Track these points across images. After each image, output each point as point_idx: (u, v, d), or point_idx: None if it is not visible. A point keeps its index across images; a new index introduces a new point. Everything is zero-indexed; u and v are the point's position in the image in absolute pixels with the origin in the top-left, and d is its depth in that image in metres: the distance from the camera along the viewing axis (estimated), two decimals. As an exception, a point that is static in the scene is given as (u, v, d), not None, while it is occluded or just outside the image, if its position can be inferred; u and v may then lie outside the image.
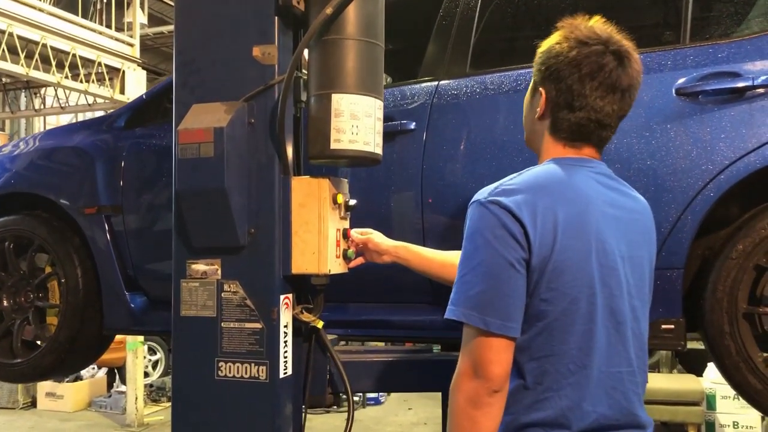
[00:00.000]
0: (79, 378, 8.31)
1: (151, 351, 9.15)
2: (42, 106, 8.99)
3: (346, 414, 2.31)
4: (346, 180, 2.31)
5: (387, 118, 2.34)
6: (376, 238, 2.28)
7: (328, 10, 1.99)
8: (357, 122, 2.03)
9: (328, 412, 7.39)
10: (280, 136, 2.10)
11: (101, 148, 3.12)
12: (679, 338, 2.28)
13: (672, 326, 2.27)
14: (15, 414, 8.08)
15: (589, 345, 1.44)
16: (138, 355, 7.57)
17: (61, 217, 3.14)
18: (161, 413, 7.99)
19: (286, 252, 2.13)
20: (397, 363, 2.52)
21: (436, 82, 2.66)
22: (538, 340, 1.44)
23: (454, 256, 1.91)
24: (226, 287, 2.16)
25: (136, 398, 7.52)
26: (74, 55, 7.05)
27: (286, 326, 2.15)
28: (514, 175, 1.51)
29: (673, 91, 2.31)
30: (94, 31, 7.45)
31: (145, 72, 8.19)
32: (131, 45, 7.89)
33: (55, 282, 3.12)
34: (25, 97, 9.45)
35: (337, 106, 2.01)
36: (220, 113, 2.11)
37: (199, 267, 2.19)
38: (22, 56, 6.61)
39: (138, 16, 8.09)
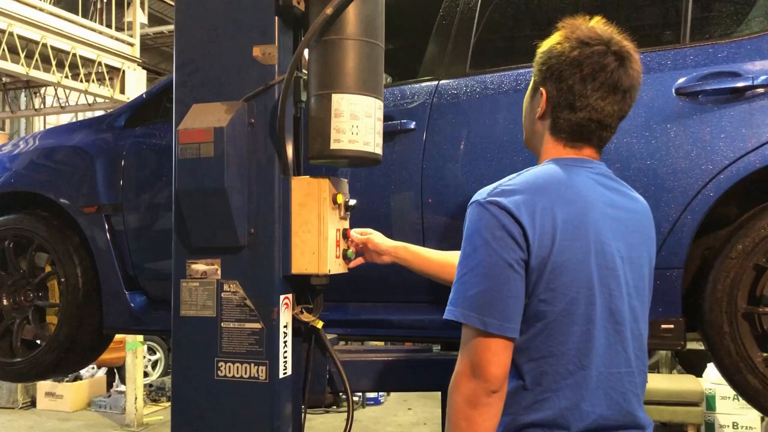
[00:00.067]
0: (78, 378, 8.31)
1: (151, 351, 9.15)
2: (42, 106, 9.00)
3: (345, 414, 2.31)
4: (346, 180, 2.31)
5: (387, 118, 2.34)
6: (376, 238, 2.28)
7: (329, 10, 1.99)
8: (357, 122, 2.03)
9: (327, 412, 7.41)
10: (280, 136, 2.10)
11: (101, 147, 3.12)
12: (679, 338, 2.28)
13: (671, 326, 2.27)
14: (14, 413, 8.08)
15: (588, 346, 1.44)
16: (137, 355, 7.57)
17: (61, 216, 3.14)
18: (161, 413, 7.98)
19: (286, 252, 2.13)
20: (397, 363, 2.52)
21: (436, 82, 2.66)
22: (536, 340, 1.44)
23: (453, 257, 1.91)
24: (225, 287, 2.16)
25: (136, 398, 7.52)
26: (74, 55, 7.06)
27: (285, 326, 2.15)
28: (514, 175, 1.51)
29: (673, 90, 2.32)
30: (94, 30, 7.45)
31: (145, 72, 8.19)
32: (131, 44, 7.90)
33: (55, 281, 3.13)
34: (25, 96, 9.46)
35: (337, 106, 2.01)
36: (220, 113, 2.11)
37: (199, 267, 2.19)
38: (22, 56, 6.61)
39: (138, 16, 8.09)
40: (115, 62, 7.64)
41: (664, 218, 2.24)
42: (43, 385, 8.15)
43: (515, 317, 1.41)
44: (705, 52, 2.35)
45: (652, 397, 5.58)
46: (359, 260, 2.31)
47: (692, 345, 2.86)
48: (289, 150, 2.15)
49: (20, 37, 6.50)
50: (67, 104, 8.40)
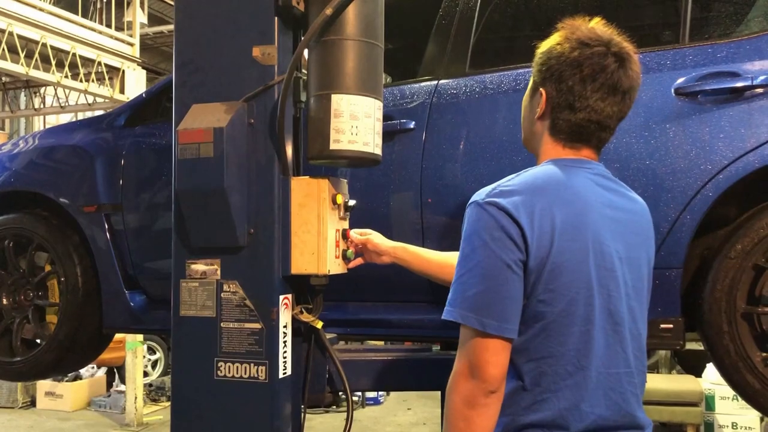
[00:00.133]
0: (78, 377, 8.31)
1: (151, 350, 9.15)
2: (42, 106, 9.00)
3: (345, 414, 2.31)
4: (346, 180, 2.31)
5: (386, 117, 2.34)
6: (375, 238, 2.28)
7: (328, 11, 1.99)
8: (356, 123, 2.03)
9: (327, 411, 7.41)
10: (279, 137, 2.10)
11: (101, 146, 3.12)
12: (678, 337, 2.28)
13: (671, 326, 2.27)
14: (14, 413, 8.08)
15: (587, 346, 1.44)
16: (137, 355, 7.57)
17: (60, 216, 3.14)
18: (160, 413, 7.98)
19: (286, 252, 2.14)
20: (397, 362, 2.52)
21: (435, 82, 2.67)
22: (535, 341, 1.44)
23: (452, 257, 1.91)
24: (225, 287, 2.16)
25: (136, 398, 7.52)
26: (74, 55, 7.05)
27: (285, 326, 2.15)
28: (512, 176, 1.51)
29: (672, 90, 2.32)
30: (94, 30, 7.45)
31: (144, 71, 8.19)
32: (131, 44, 7.90)
33: (55, 280, 3.13)
34: (25, 96, 9.46)
35: (337, 106, 2.01)
36: (220, 113, 2.11)
37: (199, 267, 2.19)
38: (22, 55, 6.61)
39: (138, 16, 8.09)
40: (114, 62, 7.64)
41: (663, 218, 2.24)
42: (43, 385, 8.15)
43: (513, 318, 1.42)
44: (704, 52, 2.35)
45: (651, 397, 5.58)
46: (358, 260, 2.31)
47: (691, 345, 2.86)
48: (289, 150, 2.15)
49: (20, 37, 6.49)
50: (66, 104, 8.39)
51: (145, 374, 8.51)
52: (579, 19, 1.57)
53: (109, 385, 8.70)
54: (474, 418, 1.40)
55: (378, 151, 2.11)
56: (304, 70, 2.22)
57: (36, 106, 8.93)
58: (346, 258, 2.24)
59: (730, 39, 2.39)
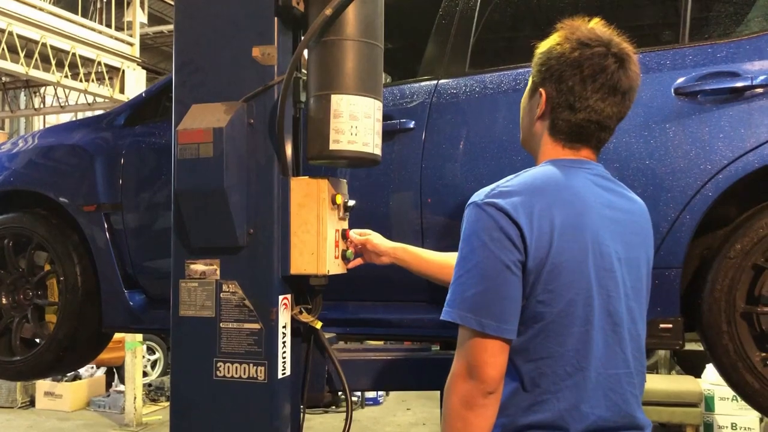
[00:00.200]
0: (77, 377, 8.30)
1: (150, 350, 9.15)
2: (42, 105, 8.99)
3: (344, 414, 2.31)
4: (345, 180, 2.31)
5: (386, 117, 2.34)
6: (375, 239, 2.28)
7: (328, 11, 1.99)
8: (356, 123, 2.03)
9: (326, 412, 7.41)
10: (279, 137, 2.10)
11: (101, 145, 3.12)
12: (678, 337, 2.28)
13: (670, 325, 2.27)
14: (13, 413, 8.08)
15: (586, 347, 1.44)
16: (137, 355, 7.56)
17: (60, 215, 3.14)
18: (160, 413, 7.98)
19: (285, 252, 2.14)
20: (396, 362, 2.52)
21: (435, 81, 2.67)
22: (535, 342, 1.44)
23: (452, 258, 1.91)
24: (224, 287, 2.16)
25: (135, 398, 7.51)
26: (74, 54, 7.05)
27: (284, 327, 2.15)
28: (511, 176, 1.51)
29: (672, 90, 2.32)
30: (93, 30, 7.45)
31: (144, 71, 8.19)
32: (131, 44, 7.89)
33: (54, 280, 3.13)
34: (25, 96, 9.45)
35: (337, 106, 2.01)
36: (220, 113, 2.11)
37: (198, 267, 2.19)
38: (22, 55, 6.61)
39: (138, 16, 8.09)
40: (114, 62, 7.63)
41: (662, 218, 2.24)
42: (42, 385, 8.15)
43: (512, 319, 1.41)
44: (704, 52, 2.35)
45: (650, 397, 5.58)
46: (358, 261, 2.31)
47: (691, 346, 2.86)
48: (288, 150, 2.15)
49: (20, 37, 6.49)
50: (66, 104, 8.39)
51: (145, 374, 8.51)
52: (578, 20, 1.57)
53: (109, 385, 8.70)
54: (472, 419, 1.40)
55: (378, 151, 2.11)
56: (303, 71, 2.22)
57: (36, 106, 8.93)
58: (345, 258, 2.24)
59: (730, 39, 2.39)
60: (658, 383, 5.95)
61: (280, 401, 2.16)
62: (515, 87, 2.52)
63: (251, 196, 2.14)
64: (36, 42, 6.67)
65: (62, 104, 8.40)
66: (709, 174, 2.22)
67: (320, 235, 2.12)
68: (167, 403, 7.85)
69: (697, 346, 2.70)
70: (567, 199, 1.46)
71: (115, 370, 8.75)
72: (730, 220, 2.33)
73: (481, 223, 1.43)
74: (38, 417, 7.88)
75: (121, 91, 7.67)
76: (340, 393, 2.40)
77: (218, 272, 2.17)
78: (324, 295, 2.25)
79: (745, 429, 5.88)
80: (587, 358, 1.44)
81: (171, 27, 9.39)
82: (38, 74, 6.89)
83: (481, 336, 1.40)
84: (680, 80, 2.32)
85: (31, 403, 8.34)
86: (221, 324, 2.15)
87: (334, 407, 7.58)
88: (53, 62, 6.90)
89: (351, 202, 2.25)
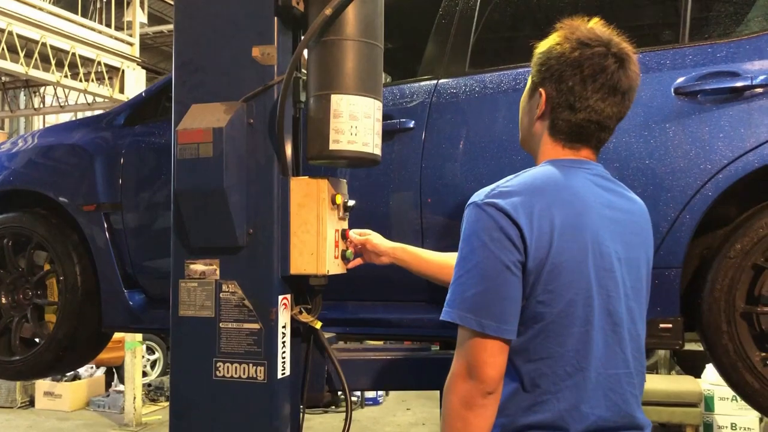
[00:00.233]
0: (77, 377, 8.30)
1: (150, 350, 9.14)
2: (41, 105, 8.99)
3: (344, 414, 2.31)
4: (345, 180, 2.31)
5: (386, 117, 2.33)
6: (375, 239, 2.28)
7: (328, 11, 1.98)
8: (356, 123, 2.03)
9: (326, 412, 7.41)
10: (279, 137, 2.10)
11: (100, 145, 3.12)
12: (677, 337, 2.28)
13: (670, 325, 2.27)
14: (13, 413, 8.08)
15: (586, 347, 1.44)
16: (136, 355, 7.57)
17: (60, 215, 3.14)
18: (159, 413, 7.98)
19: (285, 252, 2.13)
20: (395, 361, 2.52)
21: (435, 81, 2.66)
22: (535, 342, 1.44)
23: (451, 258, 1.91)
24: (224, 287, 2.16)
25: (135, 398, 7.51)
26: (74, 54, 7.05)
27: (284, 327, 2.15)
28: (511, 176, 1.51)
29: (672, 90, 2.32)
30: (93, 30, 7.45)
31: (144, 71, 8.19)
32: (131, 44, 7.90)
33: (54, 279, 3.13)
34: (25, 95, 9.45)
35: (336, 106, 2.01)
36: (220, 113, 2.11)
37: (198, 267, 2.19)
38: (22, 55, 6.61)
39: (138, 15, 8.09)
40: (114, 62, 7.64)
41: (662, 217, 2.24)
42: (42, 385, 8.15)
43: (512, 319, 1.41)
44: (704, 51, 2.35)
45: (650, 397, 5.58)
46: (358, 261, 2.31)
47: (691, 346, 2.86)
48: (288, 150, 2.15)
49: (20, 37, 6.49)
50: (66, 104, 8.39)
51: (144, 374, 8.51)
52: (577, 19, 1.57)
53: (108, 385, 8.70)
54: (471, 419, 1.40)
55: (377, 151, 2.11)
56: (303, 71, 2.22)
57: (36, 106, 8.93)
58: (345, 258, 2.24)
59: (729, 39, 2.39)
60: (657, 383, 5.95)
61: (280, 401, 2.15)
62: (515, 87, 2.52)
63: (251, 196, 2.14)
64: (36, 42, 6.67)
65: (62, 104, 8.40)
66: (709, 174, 2.22)
67: (320, 235, 2.12)
68: (167, 403, 7.85)
69: (697, 346, 2.70)
70: (567, 199, 1.46)
71: (114, 370, 8.75)
72: (730, 219, 2.33)
73: (481, 224, 1.43)
74: (38, 417, 7.88)
75: (121, 90, 7.67)
76: (339, 393, 2.40)
77: (218, 272, 2.17)
78: (324, 294, 2.25)
79: (744, 429, 5.89)
80: (587, 358, 1.44)
81: (171, 27, 9.38)
82: (38, 74, 6.89)
83: (481, 336, 1.40)
84: (680, 80, 2.32)
85: (31, 403, 8.34)
86: (221, 324, 2.15)
87: (333, 407, 7.58)
88: (53, 62, 6.90)
89: (351, 202, 2.25)
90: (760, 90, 2.22)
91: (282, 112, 2.07)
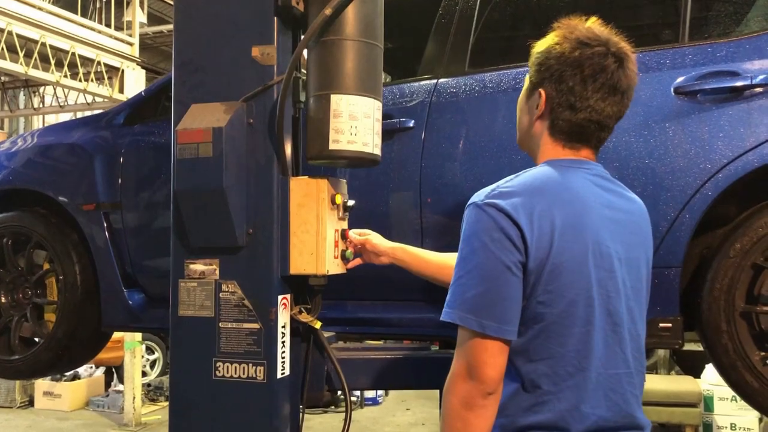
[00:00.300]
0: (76, 377, 8.30)
1: (149, 350, 9.14)
2: (41, 105, 8.99)
3: (343, 414, 2.31)
4: (345, 180, 2.31)
5: (385, 116, 2.33)
6: (374, 239, 2.28)
7: (328, 11, 1.98)
8: (356, 123, 2.03)
9: (326, 412, 7.41)
10: (278, 137, 2.10)
11: (100, 144, 3.12)
12: (677, 336, 2.28)
13: (670, 324, 2.27)
14: (12, 413, 8.07)
15: (586, 347, 1.44)
16: (136, 355, 7.56)
17: (59, 214, 3.14)
18: (159, 413, 7.98)
19: (285, 252, 2.13)
20: (395, 361, 2.52)
21: (435, 80, 2.66)
22: (535, 342, 1.44)
23: (451, 258, 1.90)
24: (224, 287, 2.16)
25: (134, 397, 7.51)
26: (73, 54, 7.05)
27: (283, 327, 2.15)
28: (511, 177, 1.50)
29: (672, 89, 2.32)
30: (93, 29, 7.44)
31: (144, 71, 8.19)
32: (130, 44, 7.89)
33: (53, 279, 3.13)
34: (24, 95, 9.44)
35: (336, 106, 2.01)
36: (219, 113, 2.11)
37: (198, 267, 2.19)
38: (21, 55, 6.60)
39: (137, 15, 8.09)
40: (114, 61, 7.63)
41: (662, 217, 2.24)
42: (41, 385, 8.15)
43: (513, 319, 1.41)
44: (704, 51, 2.35)
45: (650, 397, 5.58)
46: (357, 261, 2.31)
47: (690, 346, 2.86)
48: (288, 150, 2.15)
49: (19, 36, 6.49)
50: (66, 103, 8.39)
51: (144, 374, 8.51)
52: (575, 19, 1.57)
53: (108, 384, 8.70)
54: (471, 420, 1.40)
55: (377, 151, 2.11)
56: (303, 70, 2.22)
57: (35, 106, 8.92)
58: (344, 258, 2.24)
59: (729, 38, 2.39)
60: (657, 383, 5.95)
61: (280, 401, 2.15)
62: (515, 86, 2.52)
63: (251, 196, 2.13)
64: (35, 41, 6.66)
65: (61, 104, 8.40)
66: (708, 173, 2.22)
67: (320, 235, 2.12)
68: (166, 403, 7.85)
69: (697, 347, 2.70)
70: (567, 200, 1.46)
71: (114, 369, 8.75)
72: (730, 219, 2.33)
73: (482, 224, 1.42)
74: (37, 417, 7.87)
75: (121, 90, 7.67)
76: (339, 393, 2.40)
77: (217, 272, 2.16)
78: (323, 294, 2.25)
79: (744, 429, 5.88)
80: (588, 358, 1.44)
81: (171, 27, 9.38)
82: (37, 74, 6.89)
83: (482, 337, 1.40)
84: (680, 79, 2.32)
85: (30, 402, 8.34)
86: (220, 324, 2.15)
87: (333, 407, 7.57)
88: (52, 62, 6.90)
89: (350, 202, 2.25)
90: (759, 89, 2.22)
91: (282, 112, 2.07)
